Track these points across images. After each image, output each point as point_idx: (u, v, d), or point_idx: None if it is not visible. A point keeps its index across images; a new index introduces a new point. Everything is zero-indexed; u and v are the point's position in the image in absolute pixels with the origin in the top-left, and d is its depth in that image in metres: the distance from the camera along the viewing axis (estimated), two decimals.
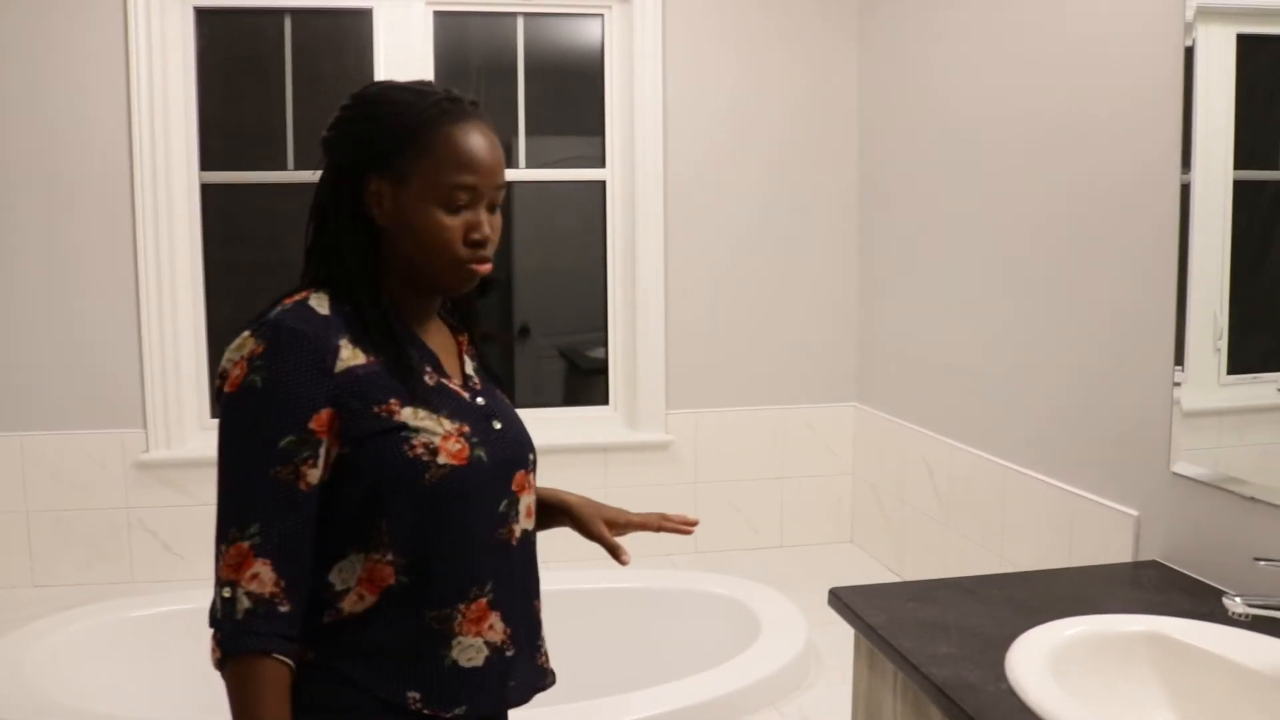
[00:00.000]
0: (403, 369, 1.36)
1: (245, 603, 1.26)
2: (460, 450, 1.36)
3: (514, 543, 1.43)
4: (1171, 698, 1.55)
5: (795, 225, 3.52)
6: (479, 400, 1.45)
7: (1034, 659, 1.49)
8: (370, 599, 1.34)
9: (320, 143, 1.41)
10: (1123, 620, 1.64)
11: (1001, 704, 1.40)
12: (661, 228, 3.44)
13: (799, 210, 3.52)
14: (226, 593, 1.26)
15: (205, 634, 1.28)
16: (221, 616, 1.26)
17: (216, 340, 3.40)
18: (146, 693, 2.77)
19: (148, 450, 3.26)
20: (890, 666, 1.67)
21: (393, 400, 1.33)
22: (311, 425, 1.29)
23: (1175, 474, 1.97)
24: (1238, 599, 1.41)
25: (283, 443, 1.28)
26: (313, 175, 1.44)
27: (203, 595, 1.22)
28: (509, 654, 1.40)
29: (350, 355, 1.32)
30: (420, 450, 1.33)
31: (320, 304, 1.34)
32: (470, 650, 1.36)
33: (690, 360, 3.51)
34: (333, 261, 1.37)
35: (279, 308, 1.34)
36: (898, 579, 3.10)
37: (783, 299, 3.53)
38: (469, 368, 1.49)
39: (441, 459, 1.34)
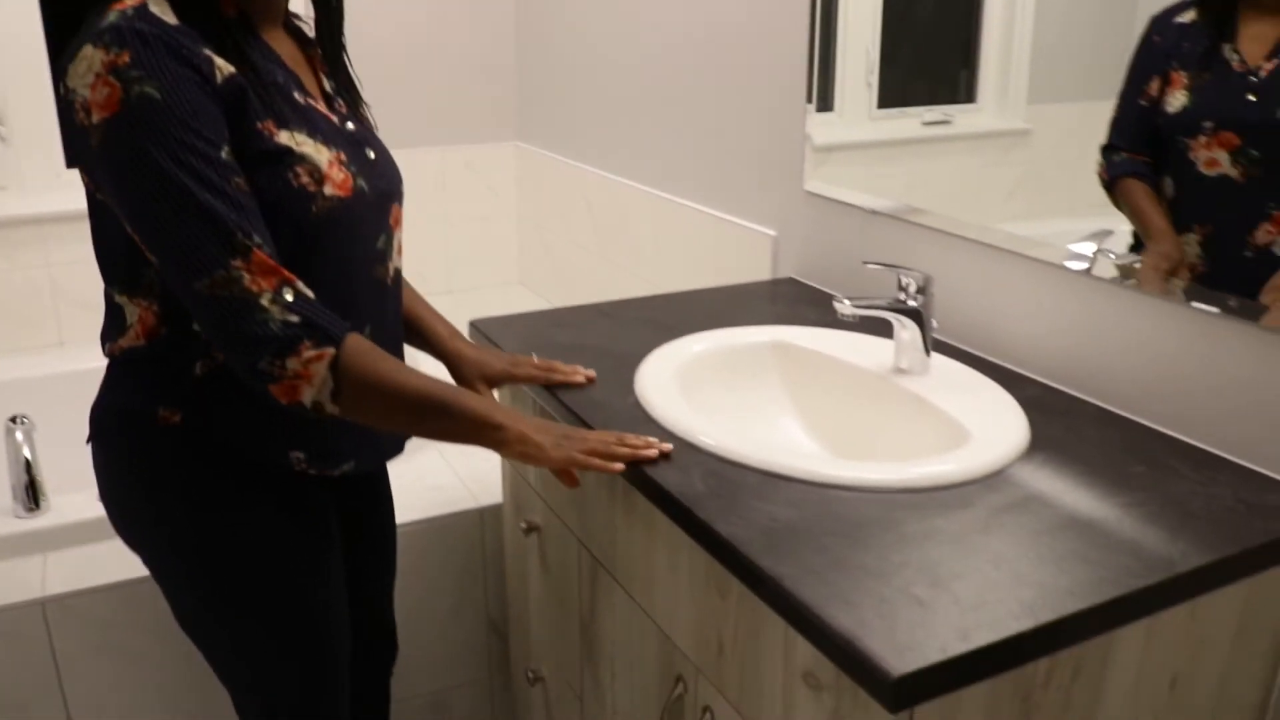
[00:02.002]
0: (268, 85, 1.19)
1: (307, 294, 1.17)
2: (345, 180, 1.23)
3: (389, 282, 1.37)
4: (794, 399, 1.63)
5: None
6: (349, 125, 1.30)
7: (661, 374, 1.51)
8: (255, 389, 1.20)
9: None
10: (749, 332, 1.69)
11: (627, 416, 1.41)
12: None
13: None
14: (289, 295, 1.15)
15: None
16: (301, 319, 1.15)
17: None
18: None
19: None
20: (528, 393, 1.66)
21: (268, 120, 1.19)
22: (226, 134, 1.15)
23: (808, 193, 2.02)
24: (846, 301, 1.47)
25: (224, 154, 1.14)
26: None
27: None
28: None
29: (223, 65, 1.16)
30: (306, 180, 1.20)
31: (163, 11, 1.14)
32: None
33: None
34: None
35: (111, 14, 1.12)
36: None
37: (438, 33, 3.33)
38: (327, 85, 1.32)
39: (328, 189, 1.21)
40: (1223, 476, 1.28)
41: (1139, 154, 1.46)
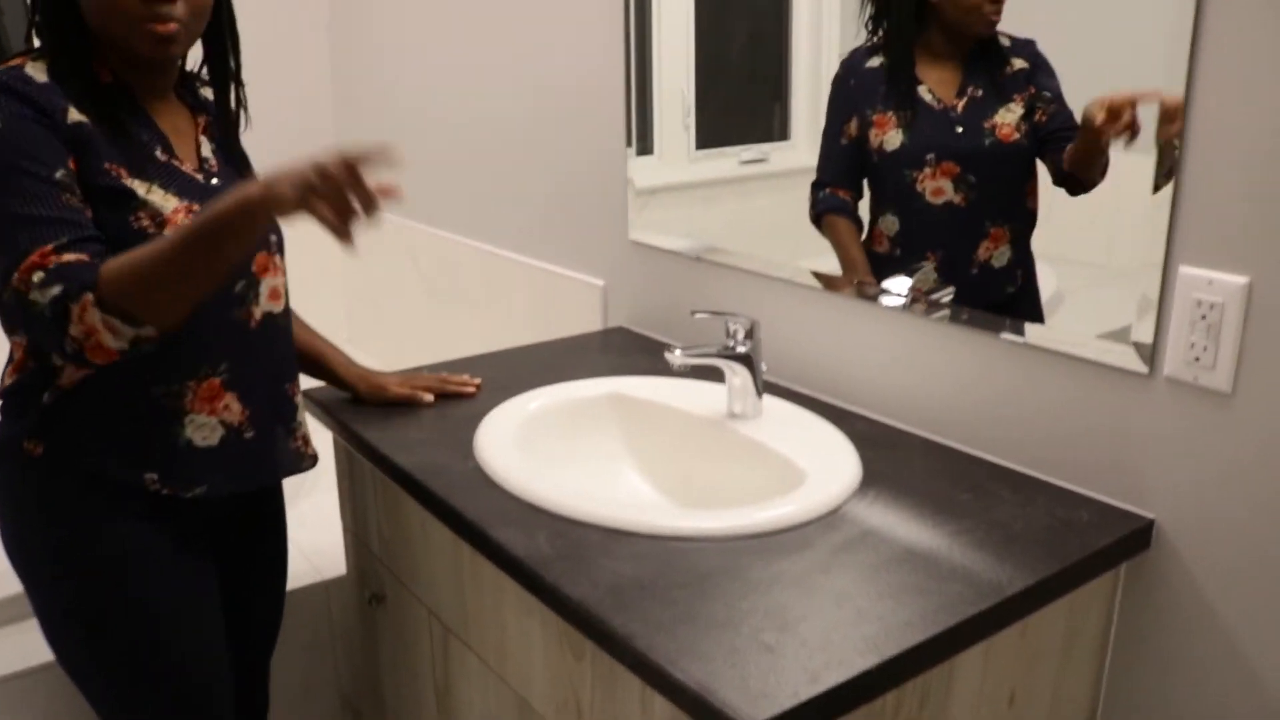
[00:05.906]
0: (126, 139, 1.30)
1: (58, 259, 1.18)
2: None
3: (253, 325, 1.42)
4: (633, 450, 1.65)
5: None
6: (213, 182, 1.39)
7: (500, 435, 1.51)
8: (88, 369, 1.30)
9: None
10: (585, 385, 1.70)
11: (469, 480, 1.40)
12: None
13: None
14: (38, 275, 1.17)
15: None
16: (60, 287, 1.16)
17: None
18: None
19: None
20: (367, 462, 1.63)
21: (120, 167, 1.28)
22: (70, 164, 1.24)
23: (633, 242, 2.05)
24: (677, 352, 1.49)
25: (59, 175, 1.22)
26: None
27: None
28: (248, 435, 1.42)
29: (77, 114, 1.27)
30: (147, 223, 1.28)
31: (37, 71, 1.27)
32: (205, 429, 1.38)
33: None
34: (42, 32, 1.32)
35: None
36: None
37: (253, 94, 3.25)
38: (206, 149, 1.42)
39: (169, 233, 1.27)
40: (1039, 497, 1.35)
41: (843, 189, 1.59)
